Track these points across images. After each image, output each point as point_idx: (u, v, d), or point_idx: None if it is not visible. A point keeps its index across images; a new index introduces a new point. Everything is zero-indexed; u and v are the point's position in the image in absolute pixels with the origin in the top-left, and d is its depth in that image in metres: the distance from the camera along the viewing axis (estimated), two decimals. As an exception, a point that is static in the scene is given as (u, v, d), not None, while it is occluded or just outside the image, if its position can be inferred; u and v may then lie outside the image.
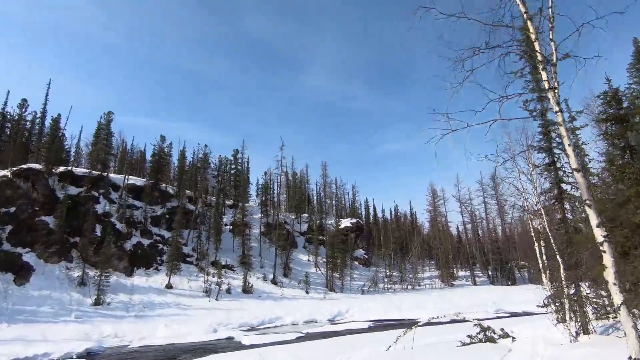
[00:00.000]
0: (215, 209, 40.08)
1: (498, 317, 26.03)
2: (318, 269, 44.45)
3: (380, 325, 25.16)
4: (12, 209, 29.43)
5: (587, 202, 5.45)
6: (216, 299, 29.94)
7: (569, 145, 5.65)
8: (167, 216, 37.68)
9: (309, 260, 46.87)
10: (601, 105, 8.67)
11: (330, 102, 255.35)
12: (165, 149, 45.64)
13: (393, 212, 73.00)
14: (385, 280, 47.39)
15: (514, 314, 27.58)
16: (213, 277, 32.66)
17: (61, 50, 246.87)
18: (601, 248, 5.27)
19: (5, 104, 37.98)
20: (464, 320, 12.56)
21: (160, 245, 34.78)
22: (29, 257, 27.48)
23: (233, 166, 50.97)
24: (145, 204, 36.43)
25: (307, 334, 22.16)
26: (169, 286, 30.46)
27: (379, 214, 71.52)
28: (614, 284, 5.08)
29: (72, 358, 16.59)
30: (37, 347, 16.93)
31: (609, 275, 5.14)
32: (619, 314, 5.07)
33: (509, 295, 37.04)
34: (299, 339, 20.14)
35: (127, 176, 37.61)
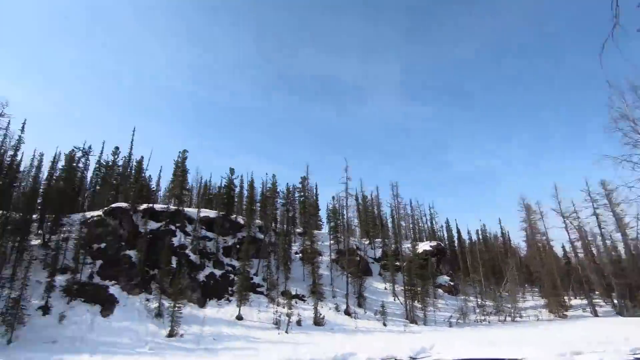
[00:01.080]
0: (284, 237, 39.43)
1: (637, 360, 19.70)
2: (396, 298, 40.46)
3: (473, 366, 20.81)
4: (103, 245, 32.30)
5: None
6: (286, 332, 28.33)
7: None
8: (238, 246, 38.06)
9: (385, 289, 43.14)
10: None
11: (392, 124, 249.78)
12: (237, 182, 47.43)
13: (480, 233, 65.26)
14: (477, 311, 41.17)
15: (661, 356, 20.68)
16: (283, 307, 31.38)
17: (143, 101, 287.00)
18: None
19: (101, 153, 43.53)
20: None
21: (232, 276, 34.89)
22: (114, 289, 29.34)
23: (301, 193, 50.68)
24: (217, 235, 37.34)
25: (383, 374, 19.11)
26: (239, 317, 29.83)
27: (465, 236, 64.49)
28: None
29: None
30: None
31: None
32: None
33: (649, 329, 28.72)
34: (371, 381, 17.27)
35: (200, 209, 39.32)
